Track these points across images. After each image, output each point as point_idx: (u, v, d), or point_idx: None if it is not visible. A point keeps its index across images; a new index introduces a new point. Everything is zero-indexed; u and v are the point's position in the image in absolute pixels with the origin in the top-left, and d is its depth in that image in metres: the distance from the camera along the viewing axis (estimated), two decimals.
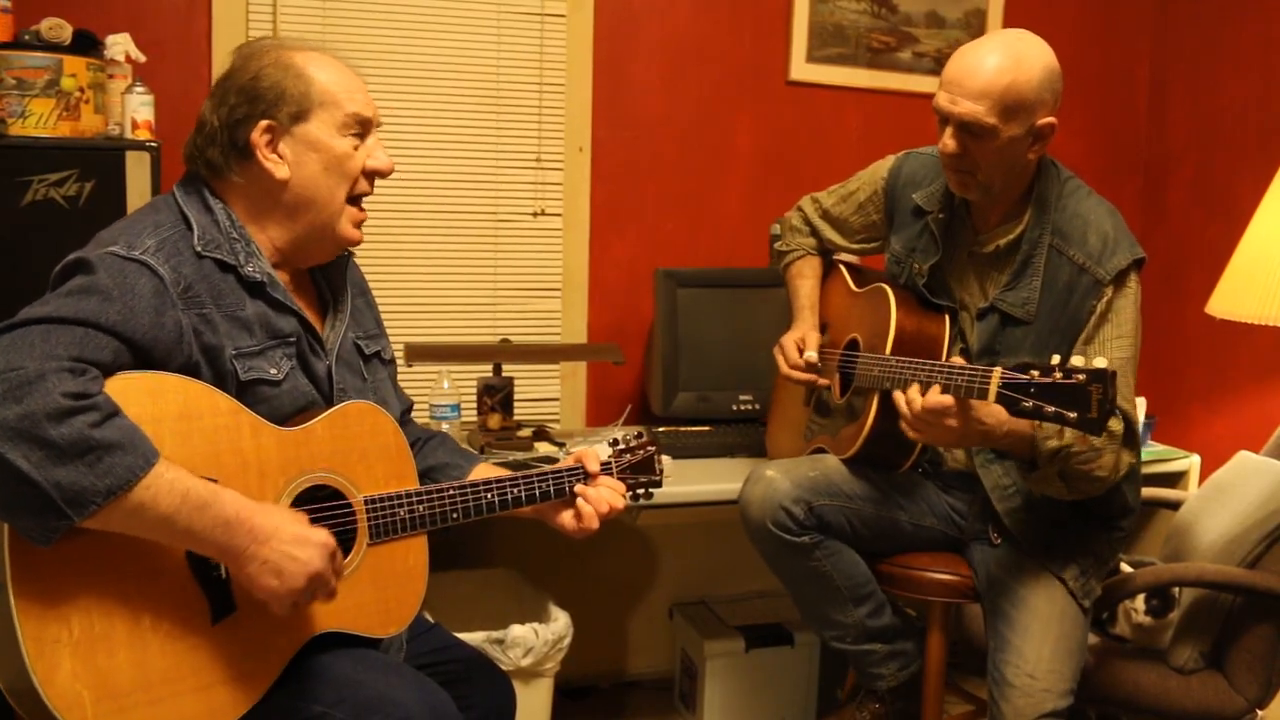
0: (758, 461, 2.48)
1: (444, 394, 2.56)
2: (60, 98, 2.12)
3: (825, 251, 2.38)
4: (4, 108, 2.09)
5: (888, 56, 3.17)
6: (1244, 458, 2.36)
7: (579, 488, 1.69)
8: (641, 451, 1.78)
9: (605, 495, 1.69)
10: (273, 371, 1.47)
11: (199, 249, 1.43)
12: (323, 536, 1.37)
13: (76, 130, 2.14)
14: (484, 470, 1.73)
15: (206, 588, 1.37)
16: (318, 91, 1.50)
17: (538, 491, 1.66)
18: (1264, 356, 2.98)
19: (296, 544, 1.33)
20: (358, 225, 1.57)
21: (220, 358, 1.41)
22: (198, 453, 1.34)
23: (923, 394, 1.76)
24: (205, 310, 1.41)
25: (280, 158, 1.49)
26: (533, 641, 2.28)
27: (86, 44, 2.20)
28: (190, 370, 1.39)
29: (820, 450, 2.21)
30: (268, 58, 1.50)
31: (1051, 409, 1.60)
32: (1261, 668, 2.11)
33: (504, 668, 2.21)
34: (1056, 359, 1.62)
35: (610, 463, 1.75)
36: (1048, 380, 1.61)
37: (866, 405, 2.06)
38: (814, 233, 2.37)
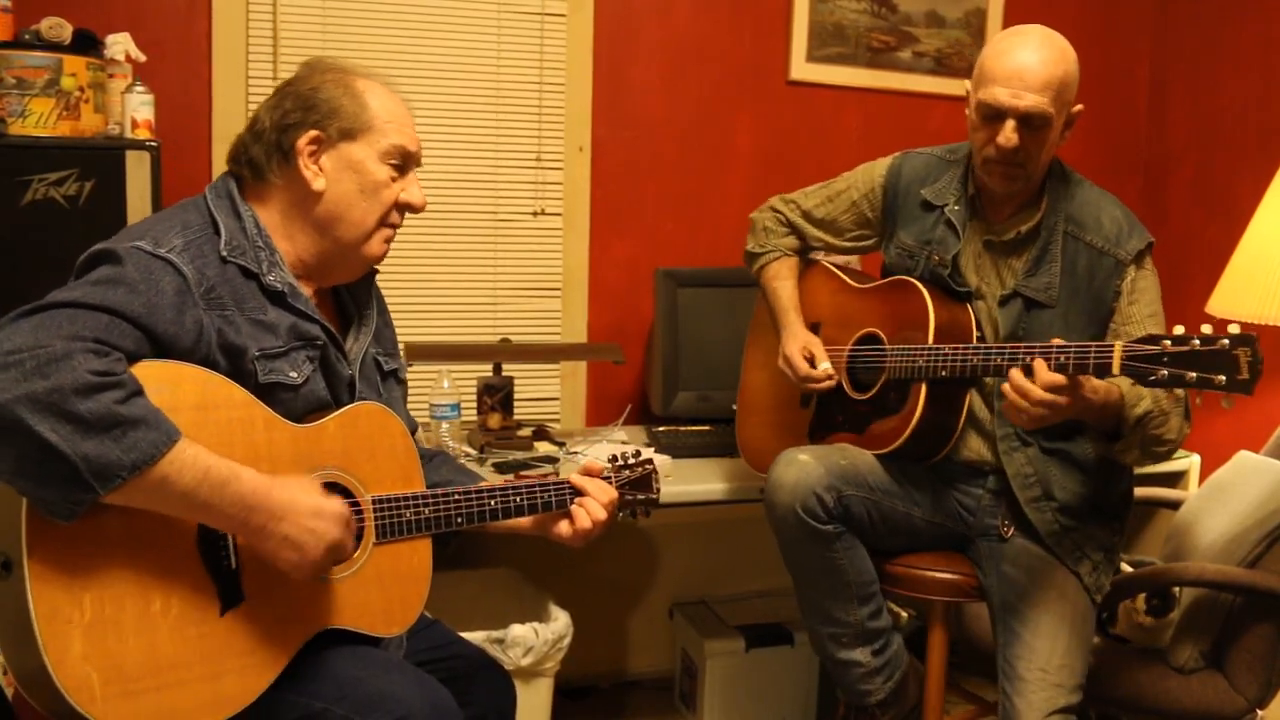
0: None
1: (444, 393, 2.56)
2: (60, 97, 2.12)
3: (805, 251, 2.38)
4: (4, 107, 2.09)
5: (888, 56, 3.17)
6: (1244, 457, 2.36)
7: (578, 499, 1.71)
8: (640, 469, 1.80)
9: (600, 495, 1.71)
10: (293, 375, 1.48)
11: (224, 253, 1.45)
12: (337, 506, 1.40)
13: (76, 130, 2.14)
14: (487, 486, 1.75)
15: (216, 577, 1.38)
16: (370, 116, 1.53)
17: (539, 501, 1.68)
18: (1264, 356, 2.98)
19: (314, 517, 1.37)
20: (386, 242, 1.60)
21: (243, 358, 1.43)
22: (211, 443, 1.35)
23: (1028, 375, 1.77)
24: (228, 311, 1.43)
25: (320, 169, 1.52)
26: (533, 641, 2.28)
27: (86, 43, 2.20)
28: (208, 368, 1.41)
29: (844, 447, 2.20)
30: (331, 75, 1.55)
31: (1194, 375, 1.63)
32: (1262, 668, 2.11)
33: (504, 667, 2.22)
34: (1180, 329, 1.66)
35: (610, 476, 1.77)
36: (1184, 349, 1.64)
37: (910, 397, 2.04)
38: (795, 233, 2.36)
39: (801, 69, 3.10)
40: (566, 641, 2.35)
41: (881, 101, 3.18)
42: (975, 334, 2.06)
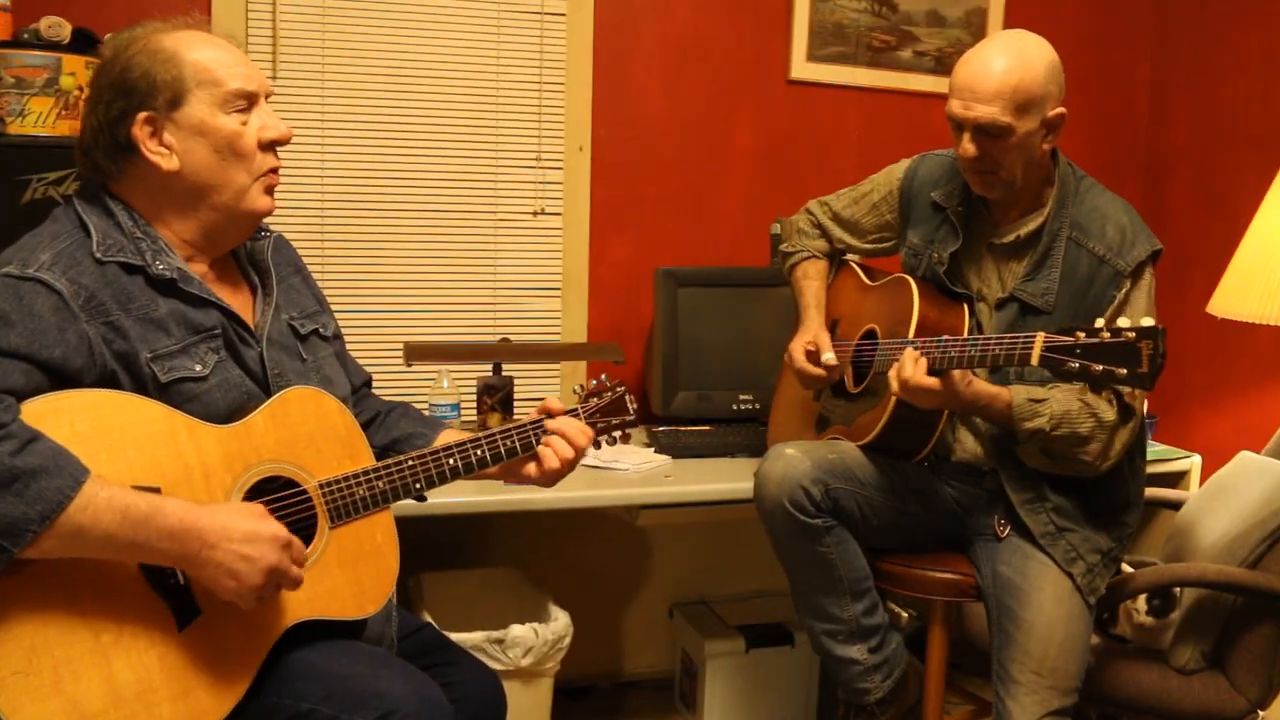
0: (758, 462, 2.47)
1: (444, 393, 2.56)
2: (59, 96, 2.12)
3: (834, 253, 2.41)
4: (3, 106, 2.09)
5: (888, 55, 3.17)
6: (1245, 458, 2.36)
7: (545, 438, 1.64)
8: (610, 394, 1.72)
9: (568, 433, 1.63)
10: (197, 368, 1.42)
11: (99, 255, 1.39)
12: (273, 529, 1.35)
13: (75, 129, 2.13)
14: (450, 436, 1.68)
15: (166, 596, 1.35)
16: (191, 73, 1.43)
17: (502, 449, 1.61)
18: (1265, 356, 2.98)
19: (247, 542, 1.32)
20: (268, 191, 1.51)
21: (136, 363, 1.38)
22: (135, 464, 1.32)
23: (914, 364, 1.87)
24: (112, 318, 1.37)
25: (167, 149, 1.43)
26: (533, 641, 2.28)
27: (86, 42, 2.19)
28: (108, 381, 1.36)
29: (835, 439, 2.21)
30: (135, 45, 1.44)
31: (1100, 367, 1.63)
32: (1263, 668, 2.11)
33: (504, 667, 2.22)
34: (1101, 321, 1.66)
35: (576, 409, 1.69)
36: (1094, 341, 1.64)
37: (888, 390, 2.06)
38: (824, 235, 2.39)
39: (802, 68, 3.09)
40: (566, 641, 2.34)
41: (882, 101, 3.18)
42: (966, 334, 2.04)
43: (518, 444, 1.62)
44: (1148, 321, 1.62)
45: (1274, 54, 3.00)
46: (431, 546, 2.66)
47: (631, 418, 1.73)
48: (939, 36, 3.20)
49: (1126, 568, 2.22)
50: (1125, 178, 3.42)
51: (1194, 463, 2.98)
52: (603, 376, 1.75)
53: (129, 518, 1.25)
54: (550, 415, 1.66)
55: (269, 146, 1.49)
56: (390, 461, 1.54)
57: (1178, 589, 2.17)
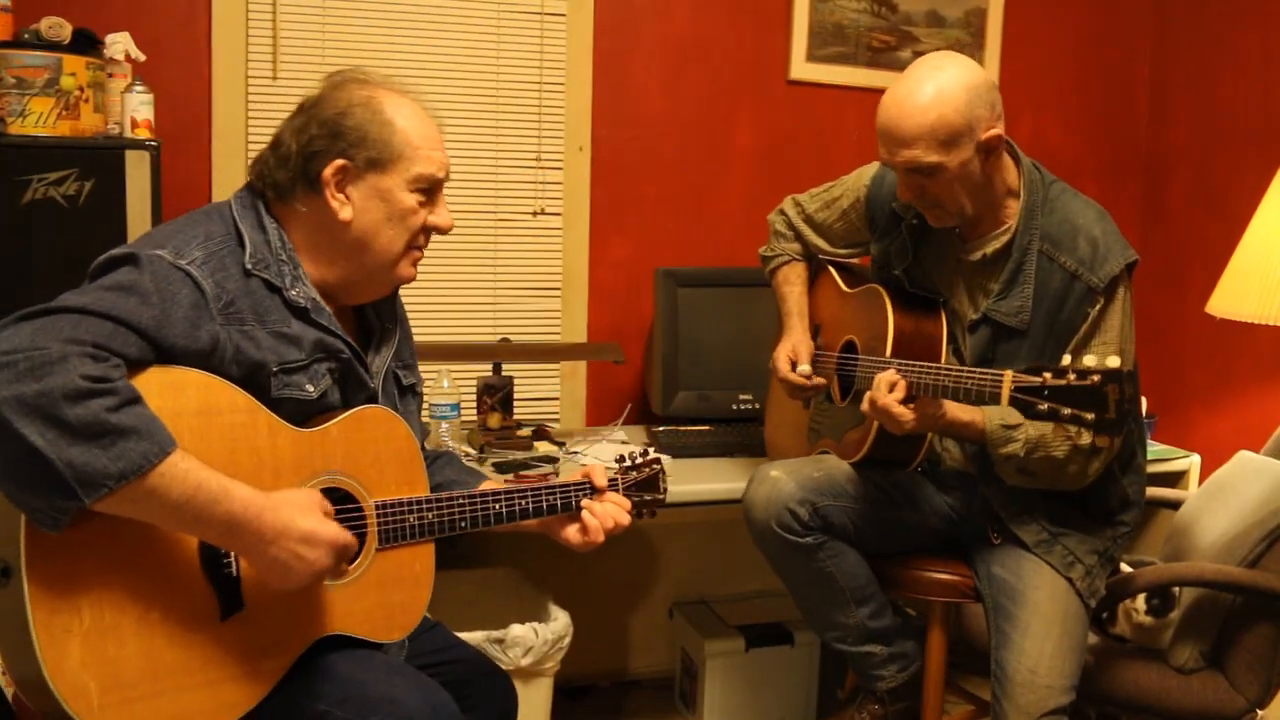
0: (758, 461, 2.47)
1: (444, 393, 2.56)
2: (60, 97, 2.12)
3: (811, 256, 2.37)
4: (4, 106, 2.09)
5: (888, 56, 3.17)
6: (1244, 457, 2.36)
7: (585, 502, 1.70)
8: (647, 469, 1.80)
9: (611, 511, 1.69)
10: (309, 388, 1.47)
11: (248, 266, 1.43)
12: (332, 534, 1.37)
13: (76, 129, 2.14)
14: (491, 487, 1.73)
15: (217, 584, 1.37)
16: (399, 143, 1.49)
17: (545, 504, 1.67)
18: (1264, 356, 2.98)
19: (305, 544, 1.34)
20: (414, 264, 1.58)
21: (261, 372, 1.42)
22: (214, 449, 1.34)
23: (891, 388, 1.85)
24: (247, 326, 1.41)
25: (346, 198, 1.49)
26: (533, 641, 2.28)
27: (86, 43, 2.20)
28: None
29: (824, 453, 2.21)
30: (358, 95, 1.50)
31: (1068, 411, 1.62)
32: (1262, 668, 2.11)
33: (504, 667, 2.21)
34: (1068, 359, 1.64)
35: (616, 480, 1.76)
36: (1061, 383, 1.62)
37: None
38: (799, 238, 2.35)
39: (801, 69, 3.10)
40: (566, 641, 2.35)
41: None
42: (946, 345, 2.03)
43: (559, 502, 1.68)
44: (1113, 362, 1.60)
45: (1274, 54, 3.00)
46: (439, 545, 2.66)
47: (662, 497, 1.81)
48: (939, 37, 3.20)
49: (1126, 567, 2.23)
50: (1125, 178, 3.43)
51: (1193, 462, 2.98)
52: (645, 449, 1.82)
53: (200, 495, 1.27)
54: (593, 485, 1.71)
55: (429, 231, 1.56)
56: (443, 495, 1.59)
57: (1177, 588, 2.17)
